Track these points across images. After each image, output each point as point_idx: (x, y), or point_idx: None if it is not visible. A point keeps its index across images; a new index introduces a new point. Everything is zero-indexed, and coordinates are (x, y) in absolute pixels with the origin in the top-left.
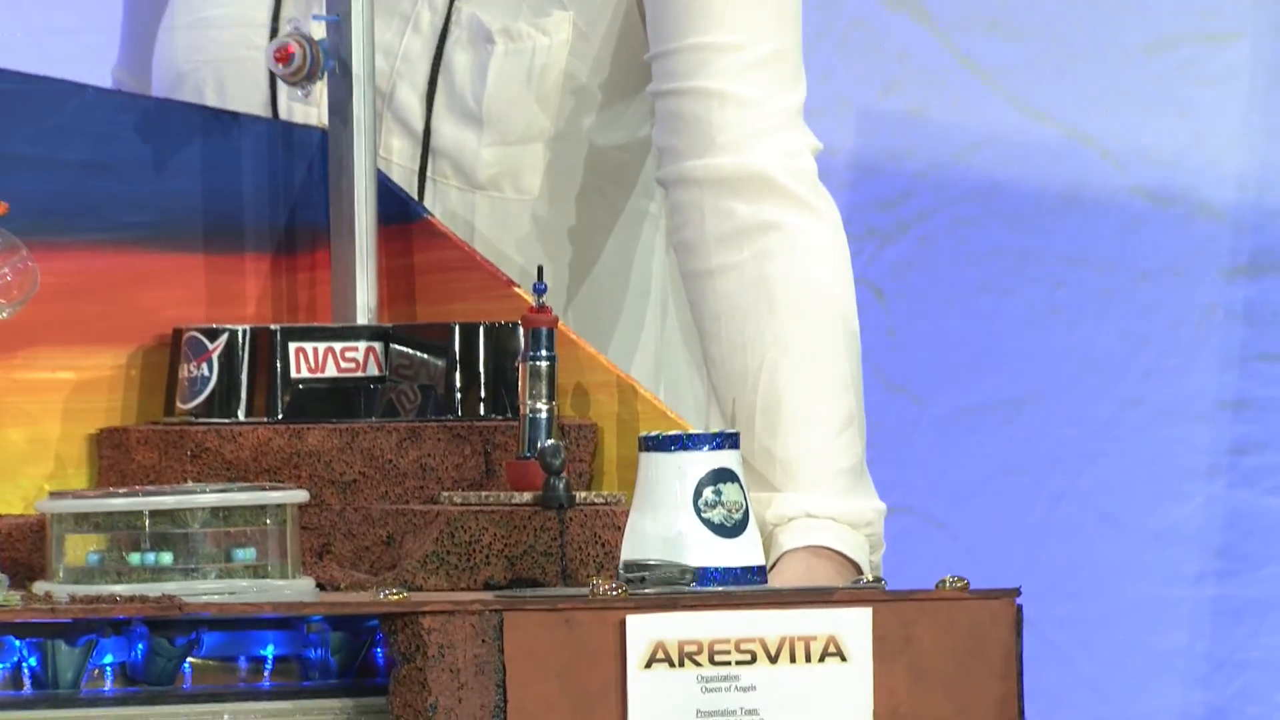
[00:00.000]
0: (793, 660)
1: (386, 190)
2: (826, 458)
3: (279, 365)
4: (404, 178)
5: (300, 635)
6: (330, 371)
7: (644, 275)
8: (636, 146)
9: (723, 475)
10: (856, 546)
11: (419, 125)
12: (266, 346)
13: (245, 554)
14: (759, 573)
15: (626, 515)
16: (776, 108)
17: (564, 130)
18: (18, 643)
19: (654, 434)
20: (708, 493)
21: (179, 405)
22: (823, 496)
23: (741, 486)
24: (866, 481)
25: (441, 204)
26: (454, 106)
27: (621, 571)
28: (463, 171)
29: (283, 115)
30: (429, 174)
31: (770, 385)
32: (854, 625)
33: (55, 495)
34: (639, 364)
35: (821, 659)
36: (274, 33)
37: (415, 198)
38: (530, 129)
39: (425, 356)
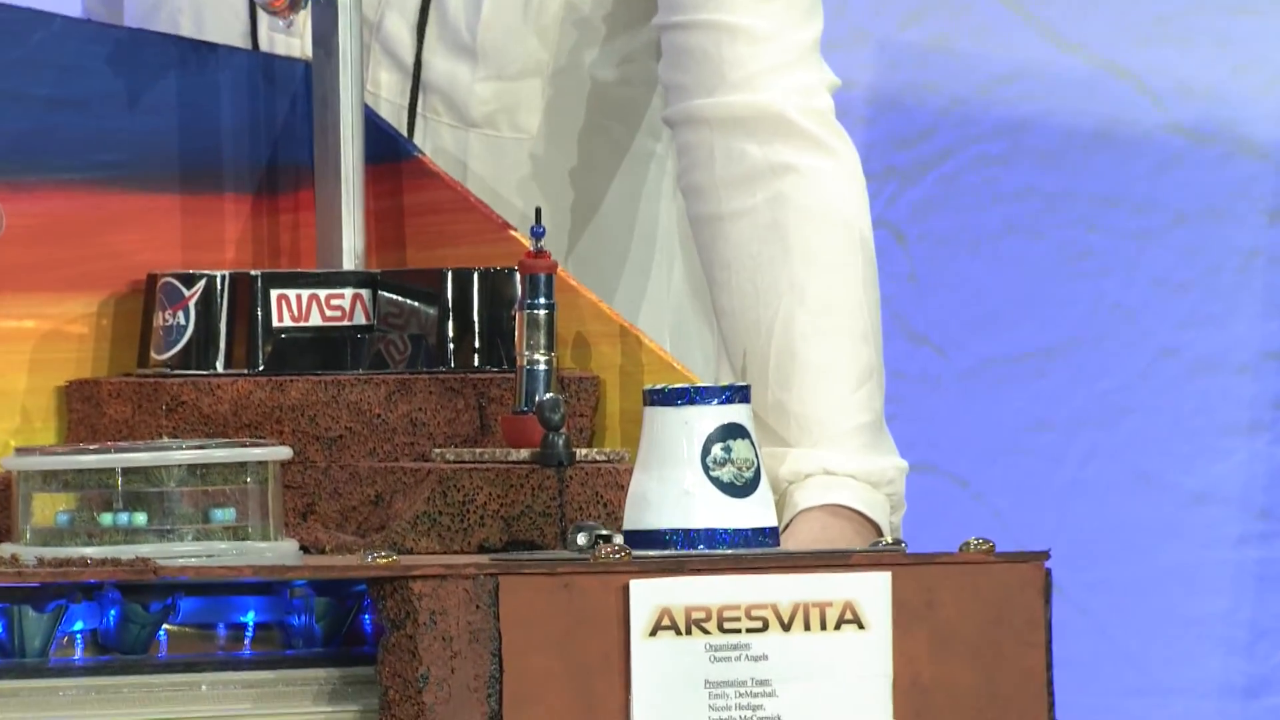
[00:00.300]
0: (807, 628)
1: (374, 127)
2: (845, 412)
3: (260, 313)
4: (393, 114)
5: (283, 601)
6: (314, 320)
7: (650, 220)
8: (642, 83)
9: (733, 431)
10: (877, 506)
11: (409, 58)
12: (246, 293)
13: (224, 514)
14: (771, 534)
15: (630, 473)
16: (791, 42)
17: (564, 64)
18: None
19: (660, 387)
20: (717, 450)
21: (153, 356)
22: (841, 453)
23: (753, 443)
24: (887, 438)
25: (433, 142)
26: (446, 38)
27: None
28: (456, 108)
29: (263, 47)
30: (419, 110)
31: (785, 336)
32: (872, 590)
33: (22, 451)
34: (644, 313)
35: (838, 626)
36: None
37: (405, 135)
38: (528, 63)
39: (416, 304)
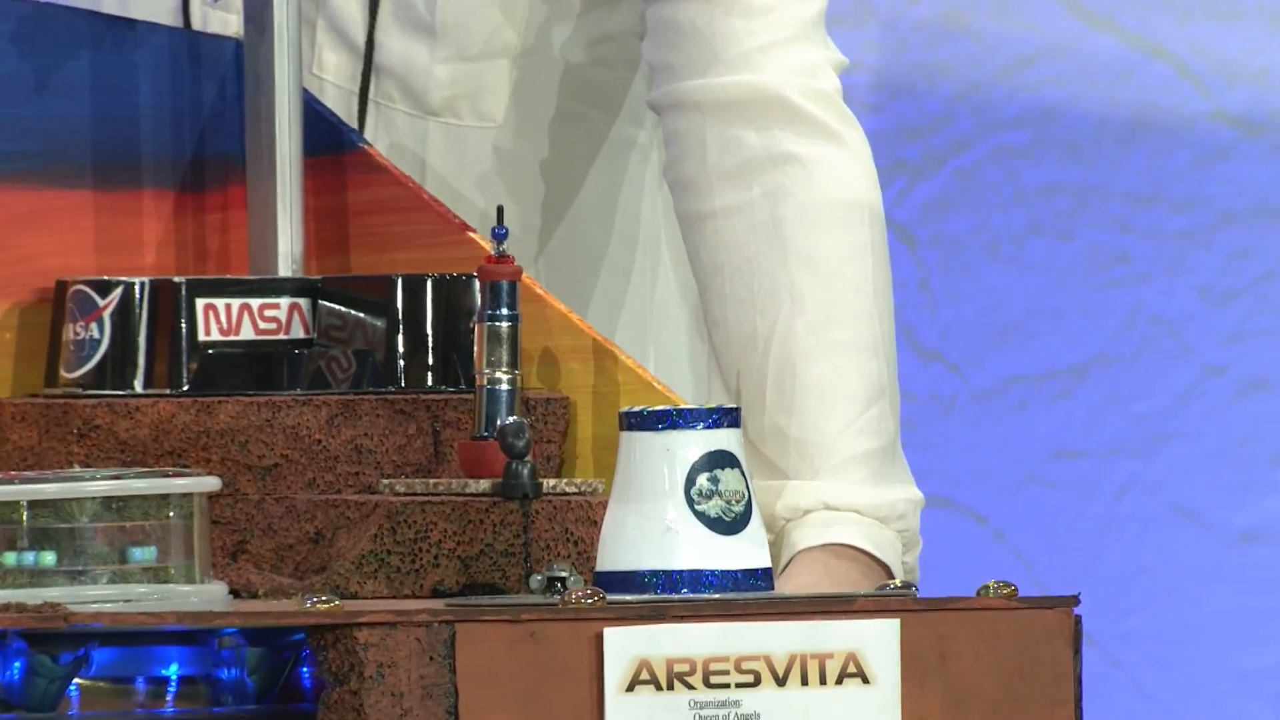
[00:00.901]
0: (805, 682)
1: (314, 114)
2: (851, 438)
3: (184, 326)
4: (341, 101)
5: (210, 652)
6: (246, 333)
7: (631, 218)
8: (621, 63)
9: (721, 459)
10: (886, 544)
11: (360, 37)
12: (169, 303)
13: (144, 553)
14: (763, 576)
15: (604, 507)
16: (792, 15)
17: (534, 44)
18: None
19: (637, 409)
20: (702, 480)
21: (63, 374)
22: (845, 484)
23: (743, 473)
24: (900, 465)
25: (387, 132)
26: (402, 14)
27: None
28: (412, 93)
29: (196, 25)
30: (371, 96)
31: (784, 350)
32: (879, 640)
33: None
34: (624, 325)
35: (839, 680)
36: None
37: (355, 125)
38: (493, 42)
39: (361, 316)
